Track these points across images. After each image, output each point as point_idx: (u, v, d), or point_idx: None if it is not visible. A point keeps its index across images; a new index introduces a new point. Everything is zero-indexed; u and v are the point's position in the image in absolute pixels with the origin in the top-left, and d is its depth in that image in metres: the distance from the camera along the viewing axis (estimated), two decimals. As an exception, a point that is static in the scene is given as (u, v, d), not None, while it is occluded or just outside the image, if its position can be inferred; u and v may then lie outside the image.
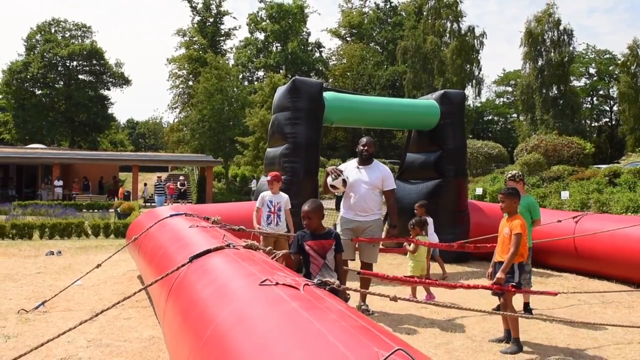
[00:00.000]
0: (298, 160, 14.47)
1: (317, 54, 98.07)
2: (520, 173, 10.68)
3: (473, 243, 12.65)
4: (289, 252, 7.56)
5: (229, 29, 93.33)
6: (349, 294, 10.52)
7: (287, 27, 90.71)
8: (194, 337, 4.58)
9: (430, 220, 13.81)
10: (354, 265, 10.19)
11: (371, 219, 10.55)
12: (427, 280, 9.98)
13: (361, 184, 10.52)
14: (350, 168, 10.80)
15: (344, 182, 10.18)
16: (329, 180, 10.12)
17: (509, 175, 10.62)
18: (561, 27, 68.94)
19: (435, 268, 13.64)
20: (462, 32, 75.31)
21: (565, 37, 69.03)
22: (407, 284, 10.44)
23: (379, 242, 10.82)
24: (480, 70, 76.17)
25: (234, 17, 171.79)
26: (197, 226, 9.28)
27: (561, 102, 68.17)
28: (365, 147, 10.71)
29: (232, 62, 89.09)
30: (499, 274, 8.11)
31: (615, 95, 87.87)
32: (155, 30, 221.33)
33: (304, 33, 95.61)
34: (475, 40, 75.47)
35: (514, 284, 8.18)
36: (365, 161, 10.74)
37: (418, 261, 11.77)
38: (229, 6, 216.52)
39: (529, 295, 10.31)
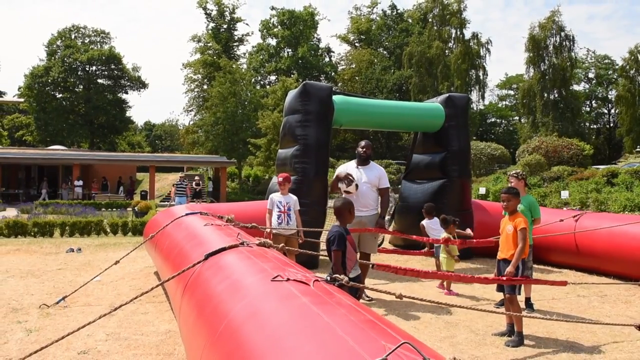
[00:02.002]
0: (308, 161, 14.48)
1: (327, 59, 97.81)
2: (523, 173, 10.75)
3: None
4: (335, 248, 7.54)
5: (242, 35, 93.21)
6: (367, 296, 10.64)
7: (298, 33, 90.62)
8: (209, 331, 4.59)
9: (435, 220, 13.96)
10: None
11: (371, 214, 11.13)
12: (439, 273, 10.04)
13: (362, 183, 11.06)
14: (351, 169, 11.36)
15: (356, 186, 10.63)
16: (343, 187, 10.51)
17: (514, 172, 10.69)
18: (563, 33, 68.95)
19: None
20: (467, 38, 75.38)
21: (567, 42, 69.03)
22: (419, 276, 10.47)
23: (379, 234, 11.21)
24: (486, 75, 76.31)
25: (247, 24, 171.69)
26: (212, 224, 9.29)
27: (561, 105, 68.16)
28: (364, 149, 11.42)
29: (244, 67, 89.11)
30: (509, 269, 8.17)
31: (613, 99, 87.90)
32: (171, 36, 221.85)
33: (314, 39, 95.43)
34: (481, 48, 75.58)
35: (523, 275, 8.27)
36: (363, 162, 11.40)
37: (449, 256, 12.00)
38: (242, 13, 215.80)
39: (530, 290, 10.37)
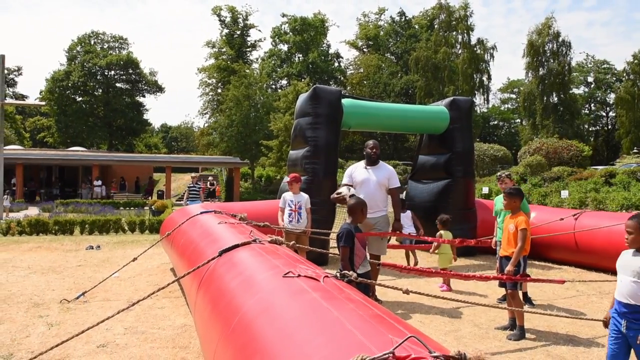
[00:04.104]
0: (318, 162, 14.50)
1: (336, 64, 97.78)
2: (509, 173, 10.97)
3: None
4: (341, 245, 7.56)
5: (255, 41, 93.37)
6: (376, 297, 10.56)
7: (309, 39, 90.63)
8: (223, 325, 4.59)
9: (408, 213, 14.12)
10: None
11: (379, 215, 10.73)
12: (442, 272, 10.05)
13: (370, 183, 10.74)
14: (360, 169, 11.02)
15: (348, 188, 10.23)
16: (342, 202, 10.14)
17: (505, 174, 10.86)
18: (560, 39, 68.91)
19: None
20: (472, 43, 75.30)
21: (564, 48, 68.98)
22: (423, 275, 10.48)
23: (387, 236, 10.94)
24: (490, 79, 76.24)
25: (259, 30, 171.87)
26: (226, 223, 9.30)
27: (561, 108, 68.12)
28: (374, 150, 10.97)
29: (257, 71, 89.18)
30: (509, 267, 8.17)
31: (611, 102, 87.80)
32: (186, 42, 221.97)
33: (324, 44, 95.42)
34: (486, 53, 75.53)
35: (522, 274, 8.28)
36: (373, 162, 10.98)
37: (443, 254, 12.04)
38: (254, 20, 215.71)
39: (526, 285, 10.40)
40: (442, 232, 12.48)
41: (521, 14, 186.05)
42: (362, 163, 11.11)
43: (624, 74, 74.71)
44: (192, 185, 23.13)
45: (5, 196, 39.27)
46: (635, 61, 71.18)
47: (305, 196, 11.93)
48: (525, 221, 8.32)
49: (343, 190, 10.06)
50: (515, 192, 8.64)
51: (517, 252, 8.17)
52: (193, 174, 25.21)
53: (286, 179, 13.44)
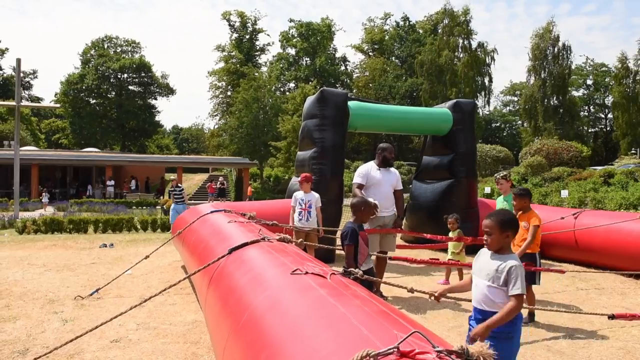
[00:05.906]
0: (325, 163, 14.47)
1: (343, 67, 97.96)
2: (509, 173, 10.93)
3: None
4: (347, 243, 7.59)
5: (263, 45, 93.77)
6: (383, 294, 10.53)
7: (316, 44, 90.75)
8: (232, 321, 4.59)
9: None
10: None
11: (391, 214, 10.93)
12: (443, 262, 10.09)
13: (384, 184, 10.90)
14: (374, 170, 11.09)
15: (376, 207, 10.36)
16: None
17: (502, 175, 10.82)
18: (560, 43, 68.91)
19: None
20: (474, 47, 75.27)
21: (565, 52, 68.95)
22: (433, 265, 10.48)
23: (397, 233, 11.06)
24: (491, 81, 76.25)
25: (268, 35, 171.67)
26: (235, 221, 9.29)
27: (561, 110, 68.08)
28: (392, 155, 11.17)
29: (266, 75, 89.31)
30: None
31: (609, 104, 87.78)
32: (197, 46, 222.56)
33: (331, 49, 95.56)
34: (487, 56, 75.53)
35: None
36: (388, 165, 11.14)
37: (454, 252, 12.09)
38: (263, 24, 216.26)
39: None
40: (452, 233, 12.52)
41: (523, 19, 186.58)
42: (374, 164, 11.20)
43: (615, 79, 74.71)
44: (172, 189, 22.36)
45: (44, 193, 39.98)
46: (623, 65, 71.16)
47: (315, 195, 11.90)
48: (538, 219, 8.50)
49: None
50: (525, 192, 8.93)
51: (525, 245, 8.34)
52: (172, 177, 24.25)
53: (295, 178, 13.44)
